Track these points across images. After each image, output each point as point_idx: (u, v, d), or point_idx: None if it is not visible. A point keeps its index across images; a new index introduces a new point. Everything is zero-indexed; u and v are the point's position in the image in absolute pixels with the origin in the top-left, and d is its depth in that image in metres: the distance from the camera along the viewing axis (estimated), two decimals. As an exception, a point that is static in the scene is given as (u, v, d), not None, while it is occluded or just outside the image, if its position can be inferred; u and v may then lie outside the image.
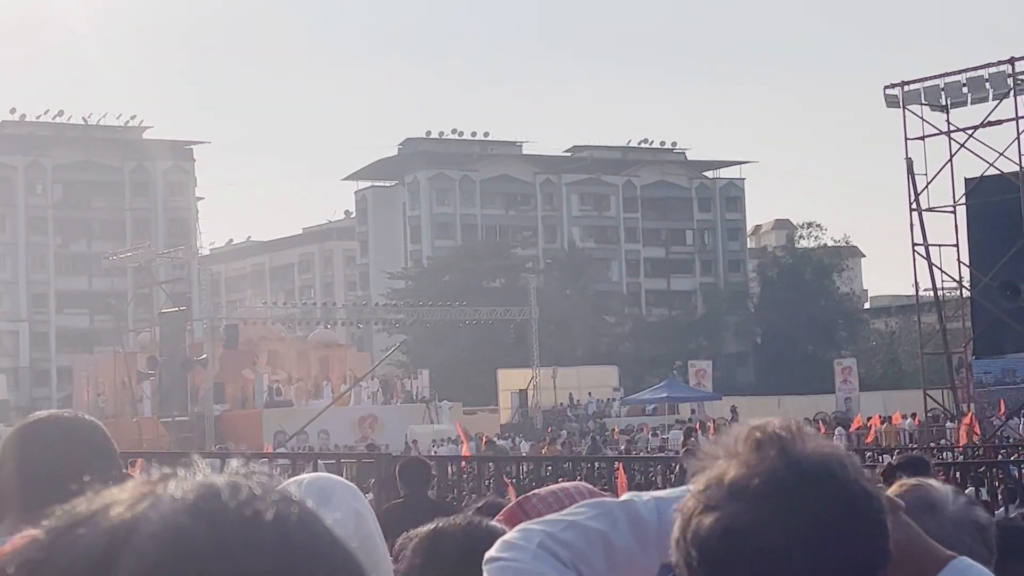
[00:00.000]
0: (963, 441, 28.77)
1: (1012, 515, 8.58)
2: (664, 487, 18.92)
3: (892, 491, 2.46)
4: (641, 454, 36.95)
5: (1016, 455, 24.82)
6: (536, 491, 3.89)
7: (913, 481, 2.52)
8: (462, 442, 39.72)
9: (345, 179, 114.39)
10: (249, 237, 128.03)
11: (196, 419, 49.28)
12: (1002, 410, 38.48)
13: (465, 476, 17.23)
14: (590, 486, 3.64)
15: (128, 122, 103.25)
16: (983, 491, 14.53)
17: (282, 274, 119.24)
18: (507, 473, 18.40)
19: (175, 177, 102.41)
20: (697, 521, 1.55)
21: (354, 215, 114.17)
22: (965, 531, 2.29)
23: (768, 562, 1.48)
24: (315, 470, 15.16)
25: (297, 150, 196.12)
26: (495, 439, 46.80)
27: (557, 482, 4.10)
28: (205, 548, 0.91)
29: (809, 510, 1.50)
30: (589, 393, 63.69)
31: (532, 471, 18.08)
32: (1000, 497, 14.07)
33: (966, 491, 13.68)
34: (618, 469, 17.20)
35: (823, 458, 1.55)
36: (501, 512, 3.73)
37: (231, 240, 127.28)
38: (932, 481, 2.44)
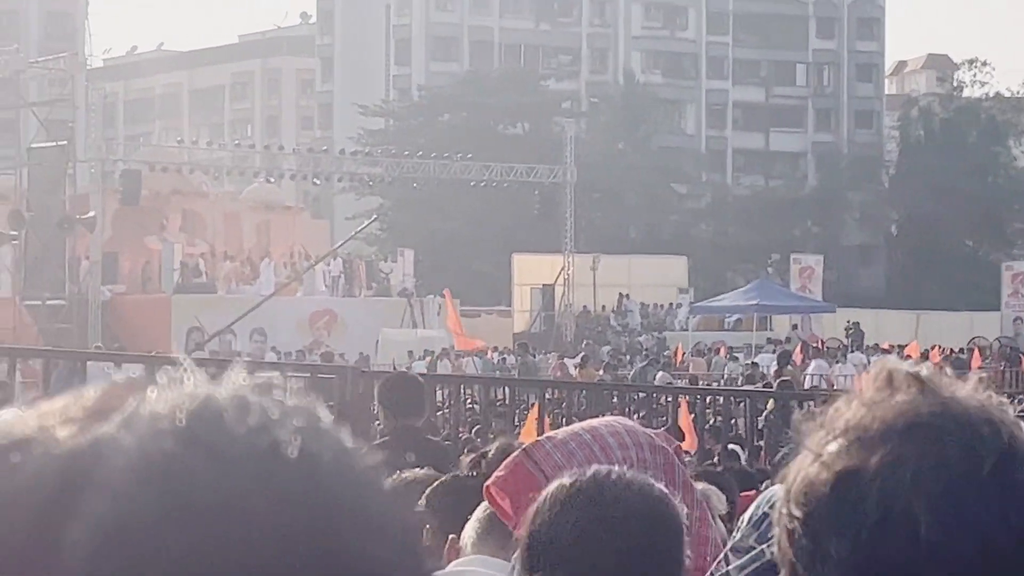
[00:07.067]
0: None
1: None
2: (746, 434, 18.88)
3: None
4: (715, 384, 37.07)
5: None
6: (552, 433, 3.94)
7: None
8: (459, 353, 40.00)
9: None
10: (161, 45, 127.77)
11: (76, 304, 49.45)
12: None
13: (466, 403, 17.37)
14: (629, 423, 3.68)
15: None
16: None
17: (207, 101, 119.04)
18: (522, 403, 18.52)
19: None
20: (803, 474, 1.62)
21: (314, 20, 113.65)
22: None
23: (882, 512, 1.54)
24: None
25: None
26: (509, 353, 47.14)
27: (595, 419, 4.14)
28: (204, 488, 0.85)
29: (955, 451, 1.56)
30: (643, 296, 63.80)
31: (558, 401, 18.20)
32: None
33: None
34: (681, 406, 17.28)
35: (982, 402, 1.63)
36: (507, 459, 3.79)
37: (135, 48, 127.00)
38: None
